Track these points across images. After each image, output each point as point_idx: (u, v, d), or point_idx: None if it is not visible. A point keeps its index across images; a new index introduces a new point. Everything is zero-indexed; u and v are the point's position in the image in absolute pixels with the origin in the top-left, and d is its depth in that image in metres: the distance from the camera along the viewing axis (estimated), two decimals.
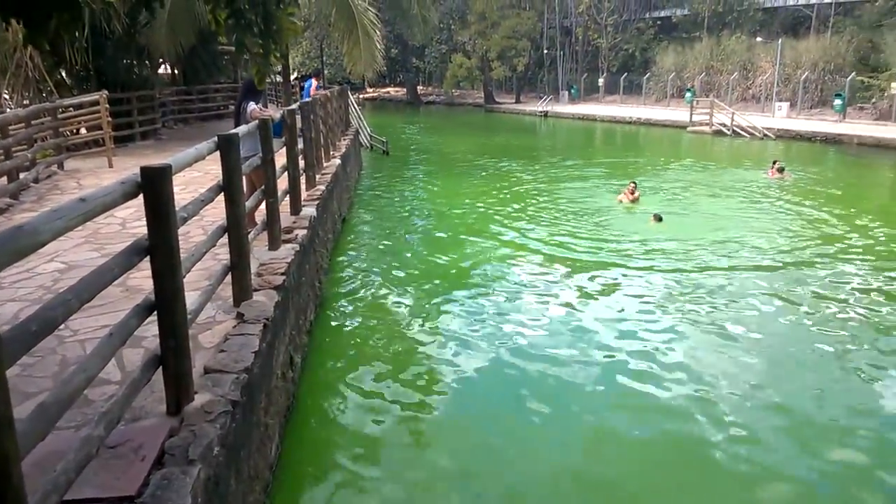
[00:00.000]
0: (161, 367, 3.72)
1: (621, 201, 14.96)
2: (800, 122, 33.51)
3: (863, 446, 5.53)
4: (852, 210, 14.69)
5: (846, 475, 5.19)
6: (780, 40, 37.85)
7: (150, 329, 3.90)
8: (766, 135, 30.90)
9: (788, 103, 36.55)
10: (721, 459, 5.35)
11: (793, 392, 6.42)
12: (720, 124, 33.12)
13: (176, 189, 9.30)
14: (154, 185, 3.46)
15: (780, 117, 35.31)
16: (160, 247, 3.51)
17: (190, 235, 7.31)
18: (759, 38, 41.25)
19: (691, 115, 35.58)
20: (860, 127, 30.95)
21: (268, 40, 3.77)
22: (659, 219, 13.25)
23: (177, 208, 3.80)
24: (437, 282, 9.78)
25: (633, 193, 14.90)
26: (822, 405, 6.18)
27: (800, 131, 30.98)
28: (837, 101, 33.45)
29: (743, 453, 5.42)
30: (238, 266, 5.19)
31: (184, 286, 3.68)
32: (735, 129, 32.22)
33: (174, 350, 3.68)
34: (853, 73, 34.06)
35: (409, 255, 11.34)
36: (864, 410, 6.09)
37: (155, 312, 3.63)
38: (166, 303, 3.59)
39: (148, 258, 3.52)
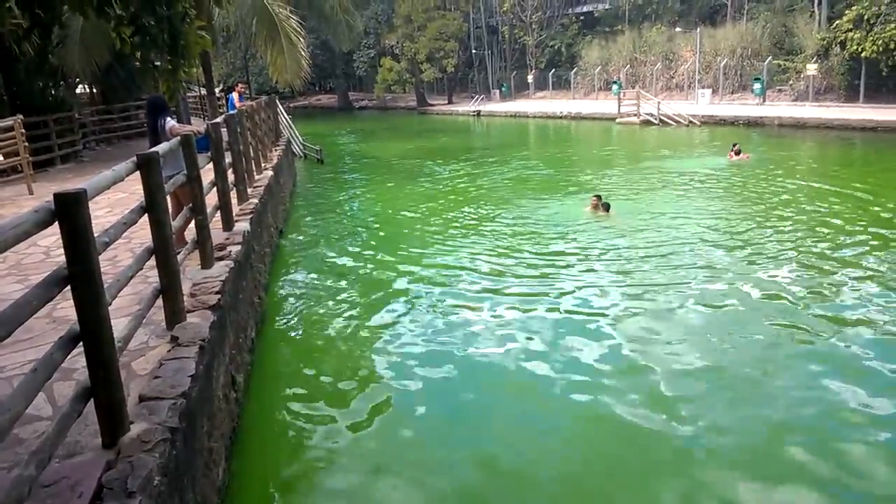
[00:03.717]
0: (92, 399, 3.58)
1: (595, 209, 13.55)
2: (723, 108, 34.68)
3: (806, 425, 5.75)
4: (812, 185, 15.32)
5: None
6: (698, 29, 39.09)
7: (81, 360, 3.75)
8: (691, 122, 31.84)
9: (711, 90, 37.78)
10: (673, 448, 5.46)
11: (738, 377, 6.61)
12: (647, 114, 33.98)
13: (101, 213, 9.04)
14: (69, 212, 3.31)
15: (704, 104, 36.45)
16: (81, 275, 3.36)
17: (118, 260, 7.08)
18: (678, 29, 42.50)
19: (619, 106, 36.41)
20: (780, 109, 32.24)
21: (175, 56, 3.67)
22: (606, 207, 13.27)
23: (98, 233, 3.67)
24: (380, 291, 9.65)
25: (595, 208, 13.49)
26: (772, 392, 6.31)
27: (723, 116, 32.06)
28: (756, 86, 34.75)
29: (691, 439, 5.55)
30: (169, 288, 5.04)
31: (109, 314, 3.54)
32: (662, 117, 33.10)
33: (104, 381, 3.54)
34: (770, 58, 35.42)
35: (350, 265, 11.20)
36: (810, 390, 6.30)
37: (81, 343, 3.49)
38: (92, 332, 3.45)
39: (69, 288, 3.38)
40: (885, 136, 24.72)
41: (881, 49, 28.12)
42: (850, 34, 29.33)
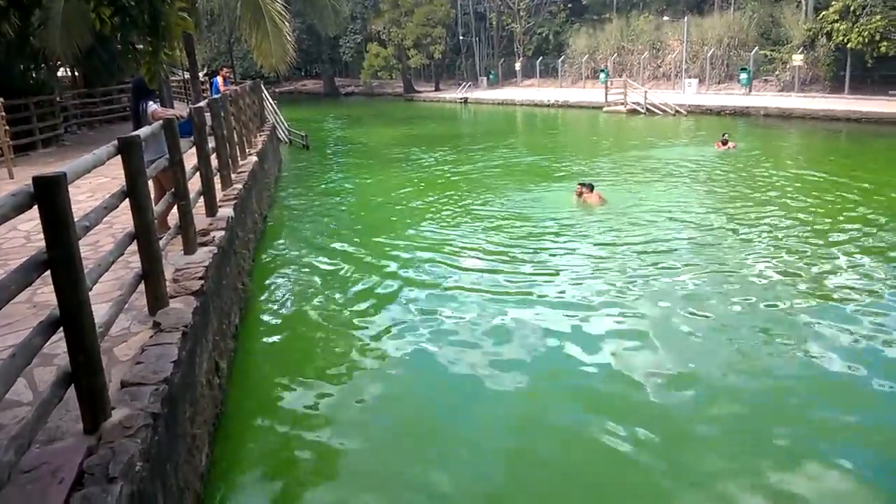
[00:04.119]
0: (73, 385, 3.55)
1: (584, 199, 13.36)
2: (709, 98, 34.78)
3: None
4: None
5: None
6: (686, 18, 39.12)
7: (62, 345, 3.72)
8: (678, 111, 31.92)
9: (697, 79, 37.87)
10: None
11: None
12: (634, 103, 34.02)
13: (82, 197, 8.94)
14: (48, 196, 3.27)
15: (691, 93, 36.55)
16: (60, 259, 3.33)
17: (100, 245, 7.01)
18: (666, 17, 42.53)
19: (606, 95, 36.43)
20: (766, 99, 32.38)
21: (156, 37, 3.61)
22: (591, 188, 13.22)
23: (78, 217, 3.63)
24: (365, 278, 9.62)
25: (580, 195, 13.36)
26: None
27: (709, 106, 32.16)
28: (743, 75, 34.86)
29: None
30: (150, 273, 5.00)
31: (89, 299, 3.51)
32: (649, 107, 33.16)
33: (85, 366, 3.52)
34: (756, 48, 35.51)
35: (335, 251, 11.15)
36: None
37: (61, 328, 3.46)
38: (72, 317, 3.42)
39: (49, 272, 3.35)
40: (869, 127, 24.91)
41: (867, 40, 28.25)
42: (837, 25, 29.44)
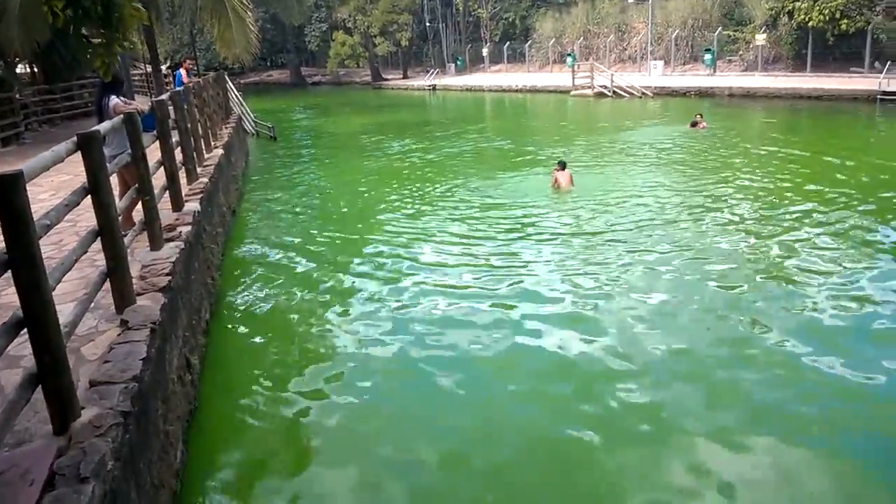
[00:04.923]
0: (40, 386, 3.51)
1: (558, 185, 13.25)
2: (674, 79, 35.07)
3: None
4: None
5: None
6: (650, 1, 39.27)
7: (29, 347, 3.67)
8: (644, 93, 32.16)
9: (663, 61, 38.12)
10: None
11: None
12: (601, 86, 34.19)
13: (45, 196, 8.77)
14: (6, 195, 3.22)
15: (656, 75, 36.79)
16: (21, 259, 3.28)
17: (64, 244, 6.90)
18: (630, 0, 42.65)
19: (573, 79, 36.52)
20: (730, 79, 32.74)
21: (110, 29, 3.54)
22: (563, 166, 13.17)
23: (38, 216, 3.57)
24: (336, 269, 9.58)
25: (557, 181, 13.20)
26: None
27: (675, 87, 32.44)
28: (707, 56, 35.16)
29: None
30: (116, 271, 4.93)
31: (52, 298, 3.46)
32: (616, 90, 33.35)
33: (51, 366, 3.47)
34: (720, 28, 35.83)
35: (306, 243, 11.09)
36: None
37: (25, 329, 3.41)
38: (36, 317, 3.38)
39: (10, 273, 3.30)
40: (831, 103, 25.33)
41: (827, 18, 28.64)
42: (798, 4, 29.80)
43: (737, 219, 10.74)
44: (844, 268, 8.37)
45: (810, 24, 29.39)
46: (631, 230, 10.36)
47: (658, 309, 7.51)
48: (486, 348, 6.84)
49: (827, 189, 12.28)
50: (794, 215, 10.74)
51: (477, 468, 5.04)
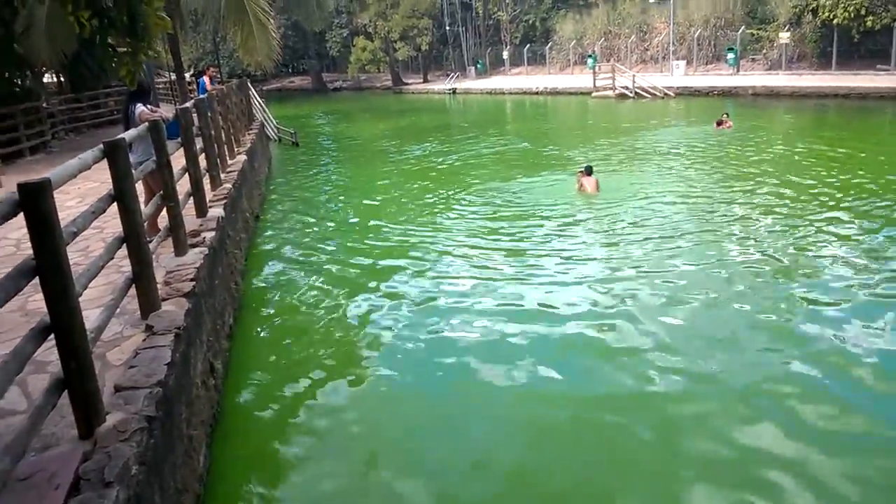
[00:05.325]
0: (66, 391, 3.55)
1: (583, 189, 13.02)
2: (697, 79, 34.77)
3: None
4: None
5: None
6: (672, 0, 39.00)
7: (55, 352, 3.72)
8: (666, 94, 31.92)
9: (685, 61, 37.83)
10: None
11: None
12: (623, 87, 34.00)
13: (72, 203, 8.87)
14: (34, 202, 3.26)
15: (678, 75, 36.51)
16: (48, 266, 3.33)
17: (90, 250, 6.99)
18: (651, 0, 42.38)
19: (595, 80, 36.38)
20: (753, 78, 32.39)
21: (135, 38, 3.59)
22: (588, 171, 12.90)
23: (65, 223, 3.62)
24: (360, 274, 9.57)
25: (582, 185, 12.99)
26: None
27: (698, 87, 32.17)
28: (730, 55, 34.84)
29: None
30: (141, 276, 4.99)
31: (79, 304, 3.51)
32: (637, 90, 33.14)
33: (77, 371, 3.51)
34: (743, 27, 35.48)
35: (328, 247, 11.12)
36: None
37: (52, 335, 3.46)
38: (63, 323, 3.42)
39: (38, 279, 3.34)
40: (857, 102, 24.96)
41: (852, 15, 28.25)
42: (822, 1, 29.42)
43: (769, 222, 10.49)
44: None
45: (835, 21, 28.99)
46: (660, 236, 10.07)
47: (690, 322, 7.22)
48: (511, 357, 6.74)
49: (863, 190, 12.03)
50: (831, 218, 10.43)
51: (498, 475, 5.00)
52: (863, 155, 15.28)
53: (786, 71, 32.65)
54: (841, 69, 30.19)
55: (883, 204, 10.94)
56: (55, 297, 3.39)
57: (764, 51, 34.97)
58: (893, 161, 14.64)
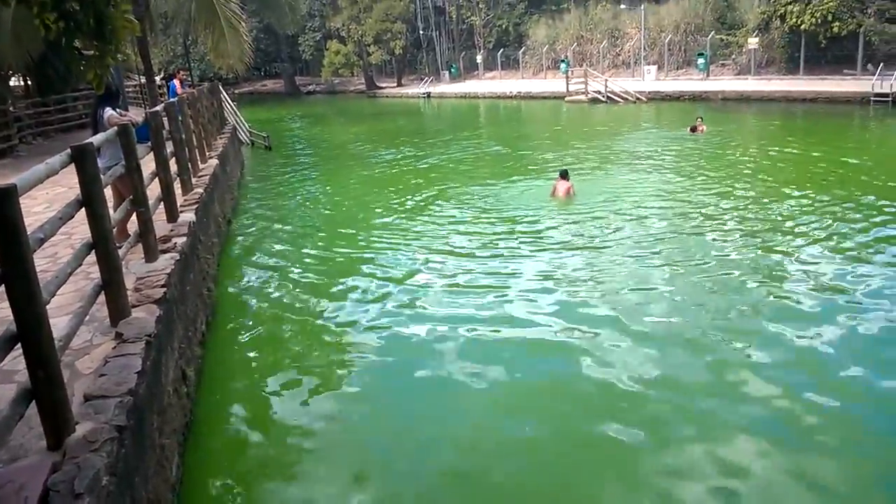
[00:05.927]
0: (34, 401, 3.47)
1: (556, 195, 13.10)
2: (668, 84, 35.19)
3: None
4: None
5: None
6: (643, 6, 39.45)
7: (23, 361, 3.64)
8: (638, 98, 32.25)
9: (656, 66, 38.28)
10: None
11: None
12: (595, 92, 34.27)
13: (39, 209, 8.71)
14: None
15: (650, 80, 36.92)
16: (14, 273, 3.25)
17: (59, 257, 6.86)
18: (623, 6, 42.87)
19: (567, 85, 36.63)
20: (723, 83, 32.89)
21: (102, 41, 3.52)
22: (564, 175, 12.93)
23: (32, 230, 3.54)
24: (332, 279, 9.51)
25: (559, 191, 13.01)
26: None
27: (668, 92, 32.55)
28: (700, 60, 35.34)
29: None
30: (111, 283, 4.90)
31: (46, 312, 3.44)
32: (609, 95, 33.44)
33: (46, 381, 3.44)
34: (713, 32, 36.00)
35: (302, 252, 11.03)
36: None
37: (19, 344, 3.38)
38: (29, 332, 3.35)
39: (3, 287, 3.27)
40: (824, 106, 25.45)
41: (819, 21, 28.79)
42: (790, 7, 29.95)
43: (744, 225, 10.68)
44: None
45: (802, 27, 29.54)
46: (633, 241, 10.16)
47: (660, 322, 7.35)
48: (485, 358, 6.75)
49: (833, 191, 12.31)
50: (805, 219, 10.69)
51: (473, 480, 5.00)
52: (831, 157, 15.58)
53: (755, 76, 33.19)
54: (809, 74, 30.76)
55: (850, 205, 11.21)
56: (22, 304, 3.32)
57: (733, 56, 35.53)
58: (861, 163, 14.95)
